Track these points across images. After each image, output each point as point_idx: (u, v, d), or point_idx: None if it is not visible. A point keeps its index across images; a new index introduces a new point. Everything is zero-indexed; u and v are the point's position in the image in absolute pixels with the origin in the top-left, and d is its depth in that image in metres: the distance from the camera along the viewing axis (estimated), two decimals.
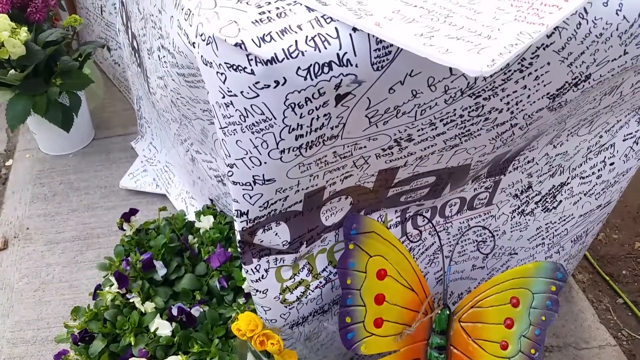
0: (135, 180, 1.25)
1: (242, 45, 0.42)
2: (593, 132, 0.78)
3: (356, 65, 0.45)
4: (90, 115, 1.37)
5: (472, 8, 0.44)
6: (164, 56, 0.62)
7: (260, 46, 0.42)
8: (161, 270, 0.81)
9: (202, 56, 0.46)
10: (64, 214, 1.22)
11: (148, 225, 0.91)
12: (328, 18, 0.44)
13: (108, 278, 0.82)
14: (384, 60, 0.46)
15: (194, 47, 0.47)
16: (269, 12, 0.45)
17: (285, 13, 0.45)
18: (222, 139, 0.51)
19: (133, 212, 0.89)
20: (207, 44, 0.45)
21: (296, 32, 0.43)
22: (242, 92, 0.45)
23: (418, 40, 0.40)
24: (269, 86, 0.45)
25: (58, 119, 1.20)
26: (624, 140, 0.79)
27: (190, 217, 1.08)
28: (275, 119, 0.47)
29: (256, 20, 0.44)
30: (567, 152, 0.79)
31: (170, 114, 0.79)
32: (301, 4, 0.46)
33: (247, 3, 0.46)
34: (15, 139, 1.42)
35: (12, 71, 1.12)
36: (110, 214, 1.21)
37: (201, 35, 0.45)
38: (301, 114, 0.47)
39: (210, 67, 0.46)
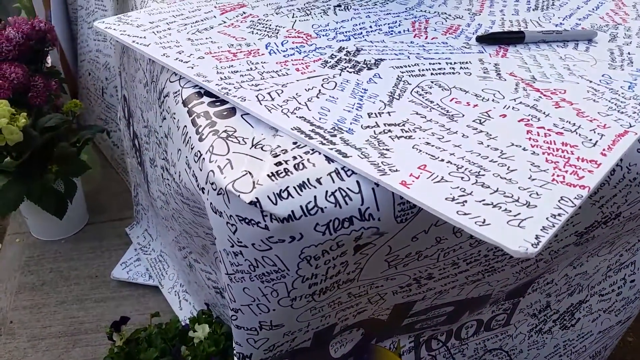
0: (127, 271, 1.20)
1: (258, 204, 0.39)
2: (614, 252, 0.74)
3: (379, 219, 0.41)
4: (85, 198, 1.32)
5: (503, 164, 0.41)
6: (167, 179, 0.59)
7: (276, 204, 0.39)
8: None
9: (211, 204, 0.42)
10: (52, 305, 1.15)
11: (139, 334, 0.85)
12: (349, 170, 0.41)
13: None
14: (408, 214, 0.42)
15: (202, 192, 0.43)
16: (286, 162, 0.41)
17: (303, 164, 0.41)
18: (228, 284, 0.47)
19: (123, 320, 0.83)
20: (217, 194, 0.41)
21: (315, 187, 0.40)
22: (253, 245, 0.42)
23: (450, 206, 0.37)
24: (283, 241, 0.41)
25: (51, 206, 1.16)
26: None
27: (185, 312, 1.02)
28: (288, 270, 0.43)
29: (272, 174, 0.40)
30: (586, 271, 0.75)
31: (169, 222, 0.75)
32: (320, 153, 0.43)
33: (262, 148, 0.43)
34: (6, 222, 1.37)
35: (8, 158, 1.09)
36: (99, 307, 1.15)
37: (212, 184, 0.42)
38: (317, 265, 0.43)
39: (220, 216, 0.42)
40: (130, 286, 1.18)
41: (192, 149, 0.46)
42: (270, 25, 0.62)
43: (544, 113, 0.47)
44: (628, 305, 0.82)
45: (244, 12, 0.64)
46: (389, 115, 0.47)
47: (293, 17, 0.64)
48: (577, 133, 0.45)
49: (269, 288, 0.45)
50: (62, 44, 1.46)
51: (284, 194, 0.39)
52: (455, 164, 0.41)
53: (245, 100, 0.48)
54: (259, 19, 0.63)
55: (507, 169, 0.40)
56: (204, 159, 0.44)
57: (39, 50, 1.26)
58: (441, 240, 0.47)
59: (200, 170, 0.44)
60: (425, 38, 0.60)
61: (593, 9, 0.68)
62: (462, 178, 0.39)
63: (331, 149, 0.42)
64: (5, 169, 1.11)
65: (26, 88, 1.19)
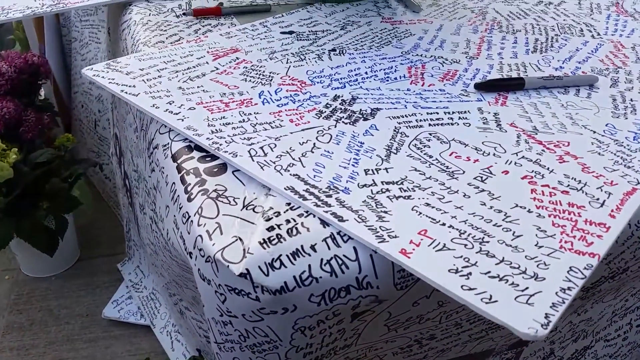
0: (119, 309, 1.17)
1: (248, 276, 0.36)
2: (619, 297, 0.72)
3: (377, 287, 0.39)
4: (76, 233, 1.30)
5: (508, 228, 0.39)
6: (155, 231, 0.57)
7: (268, 275, 0.37)
8: None
9: (199, 270, 0.40)
10: (41, 347, 1.12)
11: None
12: (345, 235, 0.39)
13: None
14: (409, 280, 0.40)
15: (190, 257, 0.41)
16: (279, 226, 0.39)
17: (297, 229, 0.39)
18: (217, 352, 0.44)
19: None
20: (206, 261, 0.39)
21: (309, 255, 0.38)
22: (243, 315, 0.39)
23: (454, 280, 0.34)
24: (276, 312, 0.38)
25: (42, 244, 1.13)
26: None
27: (177, 353, 0.99)
28: (281, 341, 0.41)
29: (264, 240, 0.38)
30: (591, 318, 0.72)
31: (159, 270, 0.73)
32: (314, 216, 0.40)
33: (253, 210, 0.41)
34: None
35: None
36: (90, 347, 1.12)
37: (200, 250, 0.39)
38: (312, 335, 0.41)
39: (209, 284, 0.40)
40: (122, 325, 1.15)
41: (180, 208, 0.44)
42: (264, 72, 0.60)
43: (547, 169, 0.45)
44: (634, 349, 0.79)
45: (237, 58, 0.63)
46: (387, 172, 0.45)
47: (287, 62, 0.62)
48: (583, 192, 0.43)
49: (260, 359, 0.42)
50: (55, 75, 1.44)
51: (276, 264, 0.37)
52: (457, 229, 0.39)
53: (236, 156, 0.46)
54: (252, 65, 0.61)
55: (513, 235, 0.38)
56: (192, 221, 0.41)
57: (32, 84, 1.24)
58: (444, 304, 0.44)
59: (189, 233, 0.42)
60: (422, 85, 0.58)
61: (592, 51, 0.67)
62: (465, 245, 0.37)
63: (326, 211, 0.40)
64: None
65: (18, 122, 1.17)
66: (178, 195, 0.45)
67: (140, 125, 0.61)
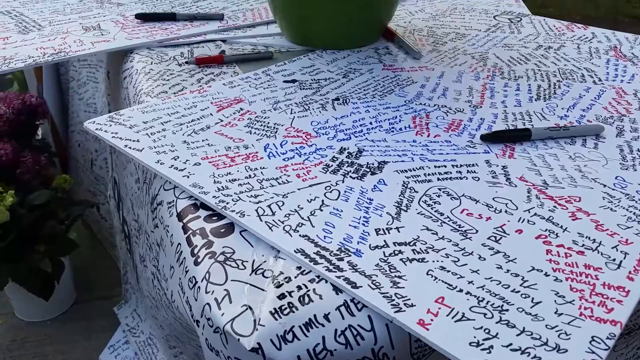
0: (115, 355, 1.13)
1: (260, 350, 0.35)
2: (630, 346, 0.70)
3: (394, 358, 0.38)
4: (72, 275, 1.27)
5: (527, 294, 0.38)
6: (158, 288, 0.55)
7: (280, 349, 0.35)
8: None
9: (207, 340, 0.39)
10: None
11: None
12: (359, 302, 0.38)
13: None
14: (426, 349, 0.38)
15: (197, 325, 0.40)
16: (290, 294, 0.38)
17: (309, 296, 0.38)
18: None
19: None
20: (214, 332, 0.37)
21: (323, 326, 0.36)
22: None
23: (476, 354, 0.33)
24: None
25: (37, 288, 1.11)
26: None
27: None
28: None
29: (276, 310, 0.37)
30: None
31: (159, 322, 0.71)
32: (326, 281, 0.39)
33: (263, 274, 0.40)
34: None
35: None
36: None
37: (208, 319, 0.38)
38: None
39: (217, 355, 0.38)
40: None
41: (186, 272, 0.43)
42: (268, 123, 0.60)
43: (561, 227, 0.45)
44: None
45: (241, 109, 0.62)
46: (398, 231, 0.44)
47: (291, 112, 0.62)
48: (598, 252, 0.42)
49: None
50: (53, 114, 1.44)
51: (289, 336, 0.36)
52: (475, 296, 0.38)
53: (244, 215, 0.45)
54: (256, 116, 0.61)
55: (532, 301, 0.37)
56: (199, 287, 0.40)
57: (30, 125, 1.24)
58: None
59: (196, 300, 0.40)
60: (428, 136, 0.58)
61: (595, 98, 0.67)
62: (484, 315, 0.36)
63: (339, 276, 0.39)
64: None
65: (15, 164, 1.16)
66: (184, 258, 0.44)
67: (143, 178, 0.60)
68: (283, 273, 0.40)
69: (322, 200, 0.47)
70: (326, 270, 0.40)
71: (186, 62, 0.73)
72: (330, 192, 0.49)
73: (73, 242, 1.13)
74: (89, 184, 1.38)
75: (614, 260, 0.42)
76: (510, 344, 0.34)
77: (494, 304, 0.37)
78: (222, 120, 0.60)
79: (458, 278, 0.39)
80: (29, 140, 1.24)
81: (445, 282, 0.39)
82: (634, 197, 0.49)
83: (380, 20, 0.81)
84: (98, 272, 1.36)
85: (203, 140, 0.56)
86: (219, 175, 0.50)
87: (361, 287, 0.38)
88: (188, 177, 0.50)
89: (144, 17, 0.85)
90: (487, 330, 0.35)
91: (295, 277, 0.40)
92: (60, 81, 1.53)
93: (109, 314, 1.23)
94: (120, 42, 0.78)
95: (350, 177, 0.51)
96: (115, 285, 1.30)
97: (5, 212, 1.06)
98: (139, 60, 0.74)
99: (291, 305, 0.38)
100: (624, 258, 0.42)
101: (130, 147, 0.54)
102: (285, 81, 0.70)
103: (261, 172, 0.51)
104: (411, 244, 0.43)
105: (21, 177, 1.15)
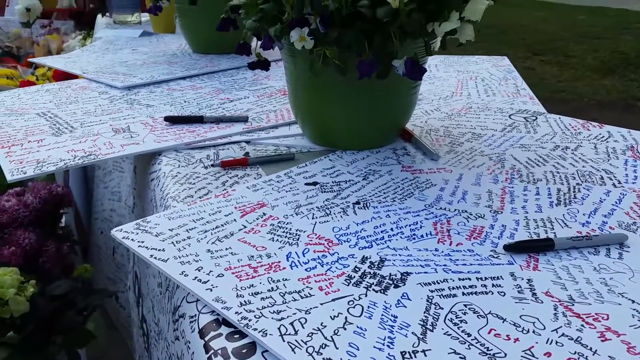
0: None
1: None
2: None
3: None
4: None
5: None
6: None
7: None
8: None
9: None
10: None
11: None
12: None
13: None
14: None
15: None
16: None
17: None
18: None
19: None
20: None
21: None
22: None
23: None
24: None
25: None
26: None
27: None
28: None
29: None
30: None
31: None
32: None
33: None
34: None
35: (11, 333, 1.04)
36: None
37: None
38: None
39: None
40: None
41: None
42: (290, 229, 0.60)
43: (590, 350, 0.44)
44: None
45: (264, 214, 0.63)
46: (425, 355, 0.43)
47: (313, 217, 0.63)
48: None
49: None
50: (77, 202, 1.48)
51: None
52: None
53: (266, 334, 0.45)
54: (279, 222, 0.62)
55: None
56: None
57: (55, 213, 1.27)
58: None
59: None
60: (450, 244, 0.58)
61: (616, 202, 0.67)
62: None
63: None
64: (6, 342, 1.06)
65: (38, 253, 1.18)
66: None
67: (166, 285, 0.60)
68: None
69: (346, 317, 0.47)
70: None
71: (212, 165, 0.76)
72: (354, 307, 0.49)
73: (91, 333, 1.12)
74: (109, 271, 1.38)
75: None
76: None
77: None
78: (245, 227, 0.61)
79: None
80: (53, 229, 1.27)
81: None
82: None
83: (399, 121, 0.84)
84: None
85: (227, 249, 0.56)
86: (241, 287, 0.51)
87: None
88: (211, 290, 0.50)
89: (172, 120, 0.89)
90: None
91: None
92: (86, 169, 1.58)
93: None
94: (149, 145, 0.82)
95: (373, 290, 0.51)
96: None
97: (25, 304, 1.06)
98: (167, 164, 0.77)
99: None
100: None
101: (155, 257, 0.55)
102: (306, 184, 0.71)
103: (284, 285, 0.51)
104: None
105: (43, 265, 1.17)
